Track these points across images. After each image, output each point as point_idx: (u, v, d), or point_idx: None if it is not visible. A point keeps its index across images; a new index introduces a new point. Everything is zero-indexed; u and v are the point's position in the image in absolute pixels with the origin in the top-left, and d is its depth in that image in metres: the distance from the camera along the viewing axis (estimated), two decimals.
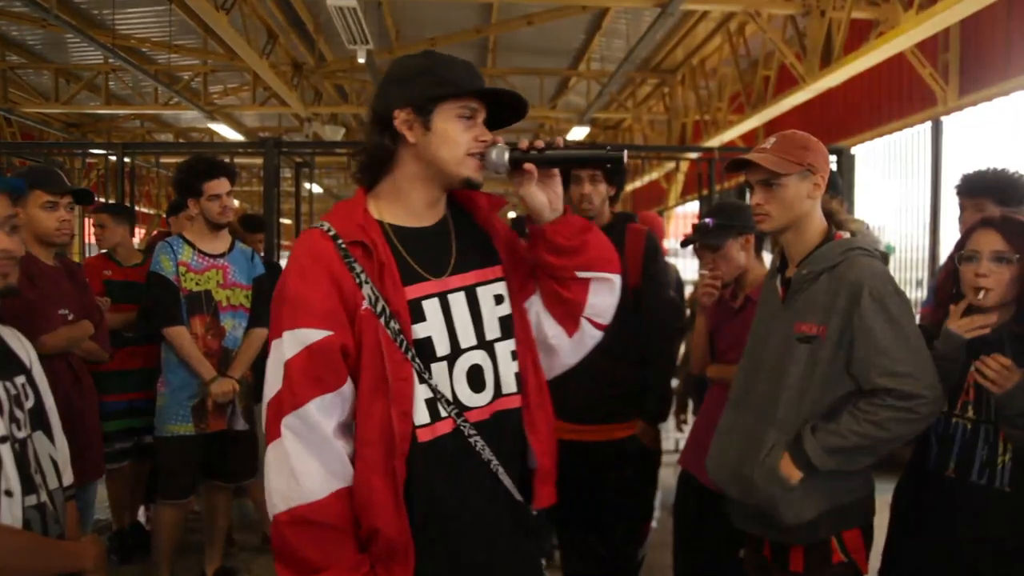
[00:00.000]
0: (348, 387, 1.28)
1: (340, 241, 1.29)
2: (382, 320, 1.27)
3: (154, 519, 3.04)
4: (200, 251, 3.04)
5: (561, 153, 1.37)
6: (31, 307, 2.44)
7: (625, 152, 1.43)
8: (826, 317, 1.69)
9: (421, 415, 1.28)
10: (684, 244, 2.65)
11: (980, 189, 2.54)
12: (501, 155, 1.35)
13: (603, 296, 1.45)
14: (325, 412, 1.25)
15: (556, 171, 1.39)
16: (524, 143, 1.37)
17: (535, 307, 1.47)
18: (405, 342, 1.27)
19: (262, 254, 4.03)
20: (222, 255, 3.09)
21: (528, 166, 1.35)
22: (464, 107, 1.34)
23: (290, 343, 1.25)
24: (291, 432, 1.23)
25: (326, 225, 1.32)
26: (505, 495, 1.36)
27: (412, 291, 1.32)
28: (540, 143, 1.36)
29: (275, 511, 1.25)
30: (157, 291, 2.96)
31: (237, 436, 3.08)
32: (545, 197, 1.38)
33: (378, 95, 1.38)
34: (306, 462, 1.23)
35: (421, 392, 1.29)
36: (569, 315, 1.45)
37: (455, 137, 1.33)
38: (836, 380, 1.70)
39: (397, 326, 1.27)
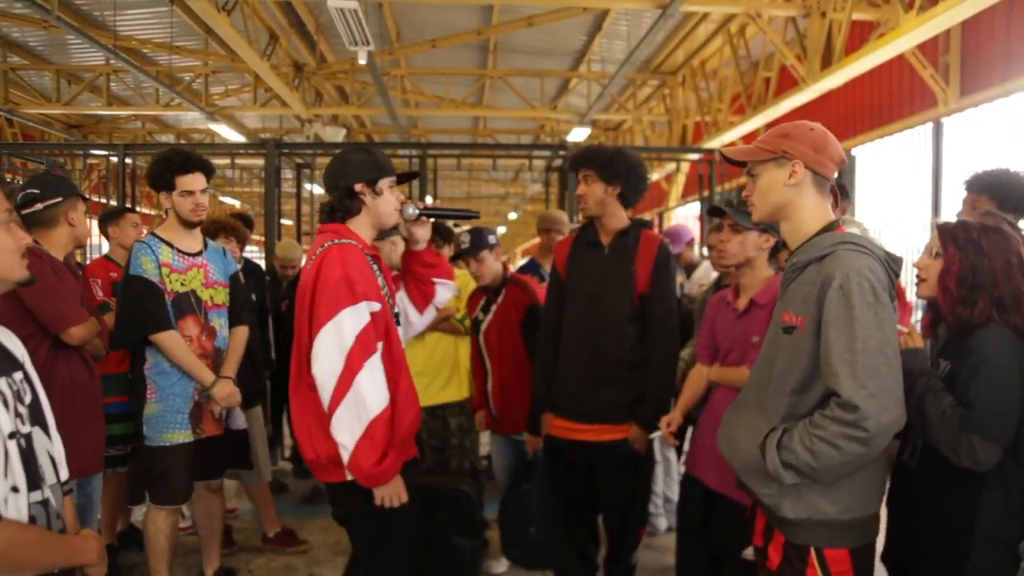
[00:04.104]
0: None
1: (367, 252, 2.13)
2: (388, 300, 2.16)
3: (149, 523, 2.89)
4: (179, 250, 2.88)
5: (435, 211, 2.36)
6: (63, 300, 2.61)
7: (478, 213, 2.60)
8: (804, 308, 1.64)
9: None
10: (711, 212, 2.65)
11: (978, 186, 2.60)
12: (411, 210, 2.28)
13: (444, 293, 2.45)
14: (380, 355, 2.05)
15: (427, 220, 2.34)
16: (418, 203, 2.32)
17: (402, 296, 2.39)
18: (393, 313, 2.20)
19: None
20: (199, 253, 2.95)
21: (422, 218, 2.31)
22: (392, 181, 2.22)
23: (364, 308, 2.02)
24: (374, 362, 2.01)
25: (355, 242, 2.12)
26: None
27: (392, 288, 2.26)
28: (424, 204, 2.33)
29: (374, 412, 1.98)
30: (142, 295, 2.76)
31: (234, 435, 3.00)
32: (425, 233, 2.34)
33: (341, 175, 2.17)
34: (381, 384, 2.02)
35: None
36: (425, 302, 2.42)
37: (390, 199, 2.20)
38: (819, 374, 1.63)
39: (391, 302, 2.19)
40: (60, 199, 2.75)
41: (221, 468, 3.08)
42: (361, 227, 2.18)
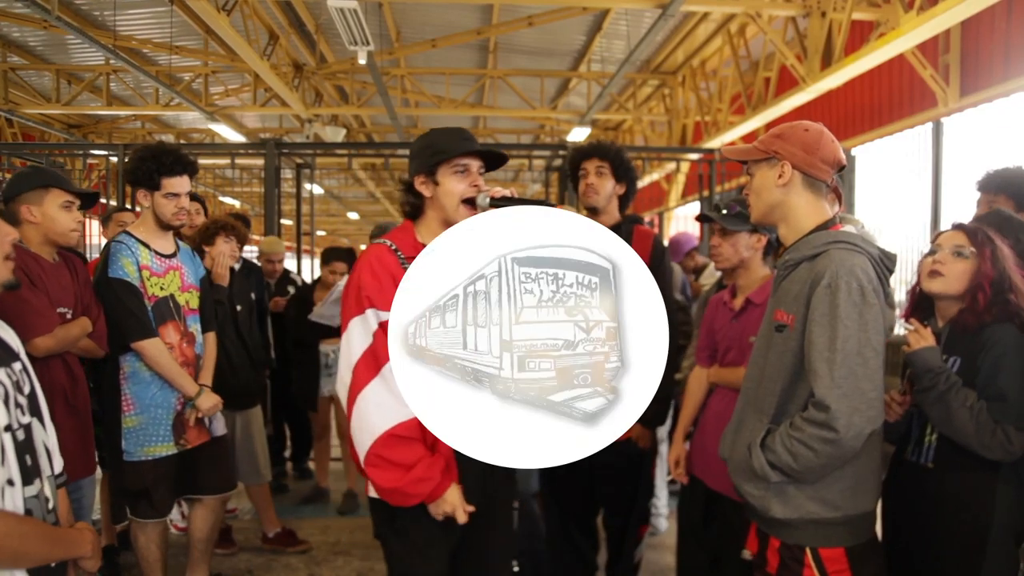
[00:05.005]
0: None
1: (400, 253, 1.86)
2: None
3: (139, 535, 2.77)
4: (156, 252, 2.74)
5: (507, 202, 1.85)
6: (28, 308, 2.39)
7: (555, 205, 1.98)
8: (795, 306, 1.65)
9: None
10: (700, 219, 2.67)
11: (996, 186, 2.58)
12: (484, 200, 1.85)
13: None
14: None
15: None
16: (495, 192, 1.86)
17: None
18: None
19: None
20: (174, 255, 2.83)
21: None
22: (461, 165, 1.86)
23: (372, 317, 1.80)
24: (385, 376, 1.75)
25: (388, 243, 1.89)
26: None
27: None
28: (503, 193, 1.86)
29: (379, 430, 1.75)
30: (124, 299, 2.61)
31: (215, 444, 2.90)
32: None
33: (409, 169, 1.94)
34: (391, 400, 1.73)
35: None
36: None
37: (451, 189, 1.86)
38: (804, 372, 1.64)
39: None
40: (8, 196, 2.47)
41: (216, 481, 2.95)
42: (429, 223, 1.92)
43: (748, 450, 1.67)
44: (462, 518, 1.80)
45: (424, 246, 1.76)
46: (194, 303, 2.89)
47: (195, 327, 2.87)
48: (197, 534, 2.95)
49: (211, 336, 2.99)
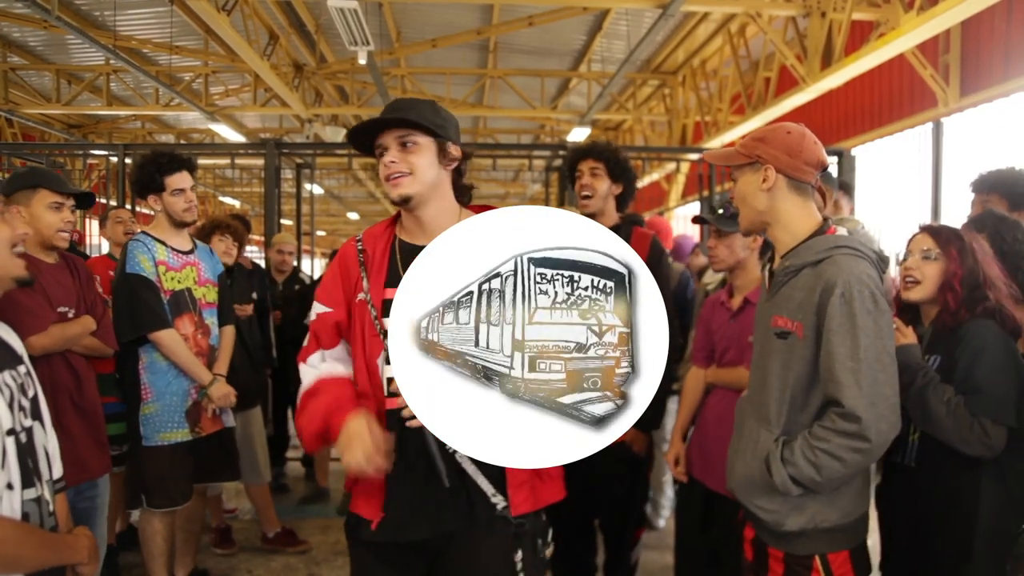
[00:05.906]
0: (340, 349, 1.75)
1: (360, 246, 1.75)
2: (370, 308, 1.67)
3: (145, 525, 2.87)
4: (173, 248, 2.90)
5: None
6: (20, 308, 2.35)
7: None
8: (801, 313, 1.61)
9: (387, 388, 1.65)
10: (695, 220, 2.68)
11: (989, 186, 2.60)
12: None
13: None
14: (319, 361, 1.74)
15: None
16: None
17: None
18: (380, 327, 1.66)
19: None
20: (191, 251, 2.98)
21: None
22: (377, 148, 1.68)
23: (313, 310, 1.76)
24: (308, 366, 1.73)
25: (359, 235, 1.79)
26: (428, 455, 1.63)
27: (391, 292, 1.62)
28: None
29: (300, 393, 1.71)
30: (141, 293, 2.75)
31: (221, 436, 2.98)
32: None
33: None
34: (308, 375, 1.72)
35: (387, 370, 1.64)
36: None
37: (379, 171, 1.69)
38: (819, 381, 1.60)
39: (375, 314, 1.67)
40: None
41: (218, 468, 3.03)
42: (402, 213, 1.80)
43: (766, 466, 1.62)
44: (370, 464, 1.50)
45: (394, 237, 1.75)
46: (211, 297, 3.00)
47: (211, 320, 2.98)
48: (177, 522, 3.04)
49: (229, 329, 3.10)
